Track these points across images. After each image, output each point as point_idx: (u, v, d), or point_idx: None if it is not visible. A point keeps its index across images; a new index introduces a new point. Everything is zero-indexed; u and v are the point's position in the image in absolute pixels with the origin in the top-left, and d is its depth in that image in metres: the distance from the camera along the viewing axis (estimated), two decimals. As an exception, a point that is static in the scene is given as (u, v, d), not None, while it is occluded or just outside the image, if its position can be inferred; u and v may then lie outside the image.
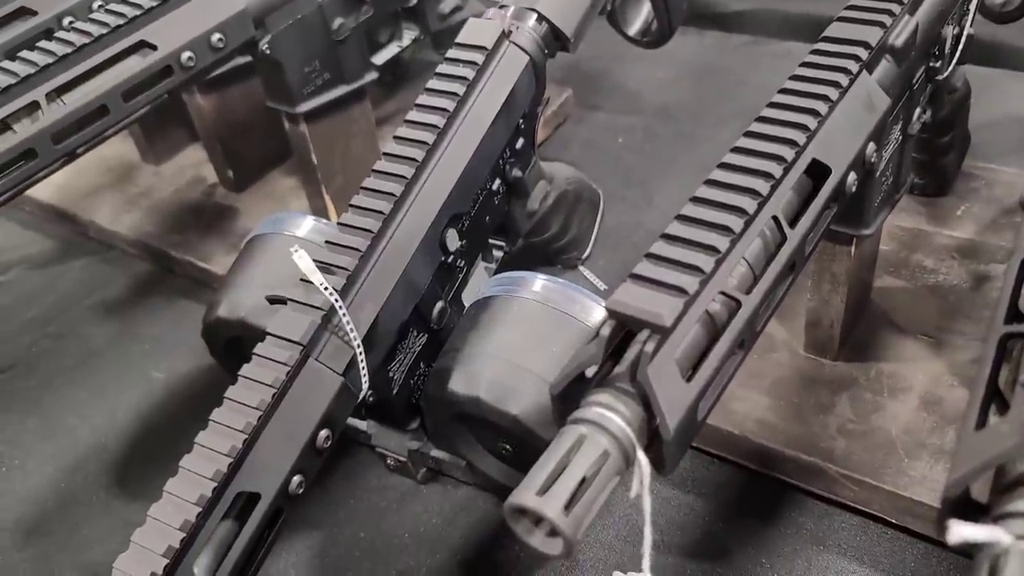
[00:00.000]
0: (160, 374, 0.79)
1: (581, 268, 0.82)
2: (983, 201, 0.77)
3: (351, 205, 0.57)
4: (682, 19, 0.83)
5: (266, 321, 0.63)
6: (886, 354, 0.65)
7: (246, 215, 0.92)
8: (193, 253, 0.88)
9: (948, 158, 0.75)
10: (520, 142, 0.67)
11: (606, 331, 0.37)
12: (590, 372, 0.39)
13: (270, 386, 0.50)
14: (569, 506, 0.34)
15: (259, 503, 0.49)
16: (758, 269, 0.42)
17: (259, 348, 0.52)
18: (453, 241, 0.61)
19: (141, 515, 0.67)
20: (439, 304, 0.62)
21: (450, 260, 0.61)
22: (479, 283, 0.66)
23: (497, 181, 0.66)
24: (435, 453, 0.64)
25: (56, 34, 0.64)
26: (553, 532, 0.34)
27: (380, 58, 0.88)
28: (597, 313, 0.57)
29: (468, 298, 0.65)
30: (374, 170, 0.58)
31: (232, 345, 0.68)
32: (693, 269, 0.38)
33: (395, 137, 0.59)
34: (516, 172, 0.67)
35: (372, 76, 0.85)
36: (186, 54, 0.68)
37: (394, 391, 0.61)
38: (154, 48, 0.67)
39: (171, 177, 0.99)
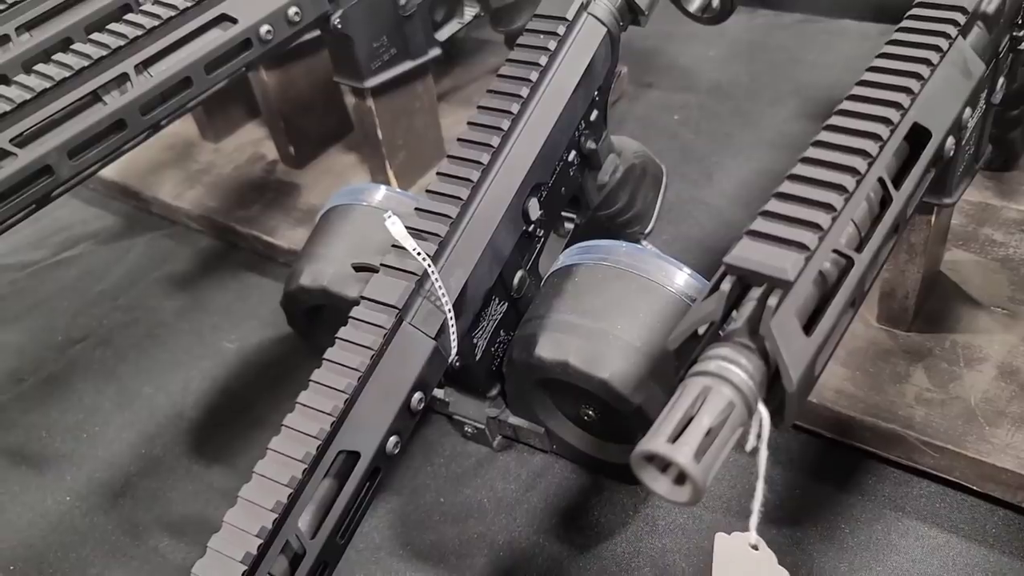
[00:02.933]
0: (232, 345, 0.80)
1: (644, 242, 0.83)
2: (1051, 176, 0.77)
3: (439, 173, 0.58)
4: (744, -5, 0.83)
5: (348, 289, 0.65)
6: (959, 326, 0.66)
7: (307, 190, 0.93)
8: (258, 227, 0.89)
9: (1016, 132, 0.75)
10: (594, 114, 0.68)
11: (726, 286, 0.38)
12: (701, 329, 0.40)
13: (368, 348, 0.51)
14: (699, 454, 0.34)
15: (359, 462, 0.50)
16: (864, 229, 0.42)
17: (355, 312, 0.53)
18: (534, 210, 0.61)
19: (222, 479, 0.70)
20: (519, 273, 0.63)
21: (531, 229, 0.62)
22: (551, 254, 0.67)
23: (573, 152, 0.66)
24: (513, 420, 0.66)
25: (142, 7, 0.66)
26: (680, 480, 0.35)
27: (443, 34, 0.88)
28: (680, 278, 0.58)
29: (543, 268, 0.66)
30: (459, 139, 0.59)
31: (312, 313, 0.69)
32: (811, 226, 0.38)
33: (479, 107, 0.60)
34: (590, 144, 0.68)
35: (436, 52, 0.86)
36: (264, 27, 0.69)
37: (477, 358, 0.62)
38: (235, 21, 0.68)
39: (231, 154, 1.00)
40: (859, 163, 0.41)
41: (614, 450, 0.62)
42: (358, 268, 0.62)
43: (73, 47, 0.62)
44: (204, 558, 0.45)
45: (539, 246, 0.65)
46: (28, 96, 0.58)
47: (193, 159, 1.00)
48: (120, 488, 0.70)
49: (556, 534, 0.62)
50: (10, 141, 0.58)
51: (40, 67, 0.60)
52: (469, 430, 0.67)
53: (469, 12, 0.91)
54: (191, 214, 0.94)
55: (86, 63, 0.61)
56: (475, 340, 0.61)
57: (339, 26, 0.76)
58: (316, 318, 0.70)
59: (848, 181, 0.40)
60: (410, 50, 0.83)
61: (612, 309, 0.57)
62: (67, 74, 0.60)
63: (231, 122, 1.03)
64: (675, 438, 0.35)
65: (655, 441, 0.35)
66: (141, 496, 0.69)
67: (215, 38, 0.67)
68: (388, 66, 0.82)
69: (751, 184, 0.89)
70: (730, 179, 0.90)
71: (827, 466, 0.63)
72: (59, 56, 0.61)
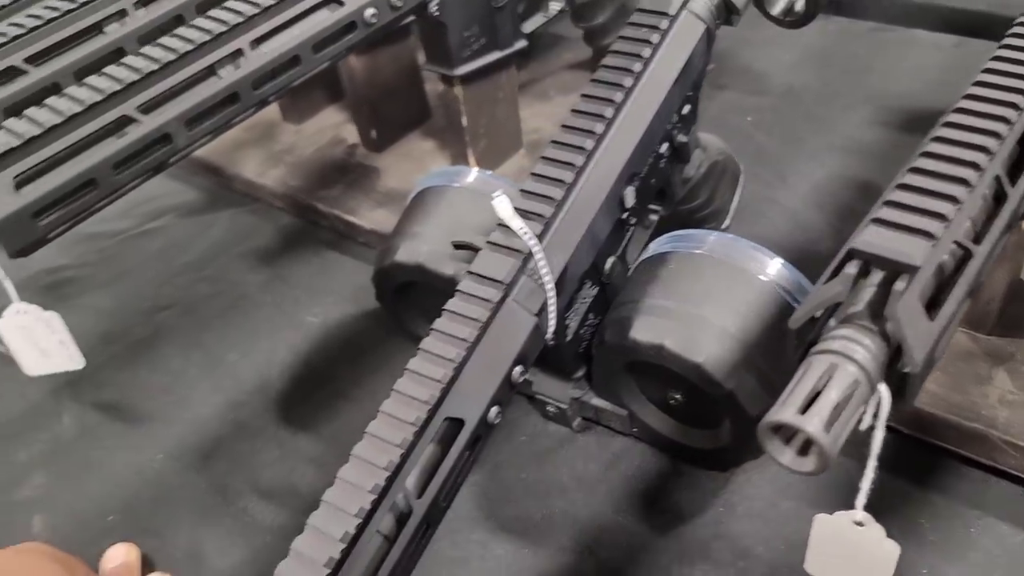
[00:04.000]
0: (314, 319, 0.83)
1: (720, 238, 0.84)
2: None
3: (543, 157, 0.59)
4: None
5: (443, 267, 0.67)
6: (1040, 332, 0.67)
7: (387, 174, 0.96)
8: (340, 207, 0.92)
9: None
10: (687, 108, 0.69)
11: (851, 270, 0.40)
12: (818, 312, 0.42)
13: (476, 320, 0.53)
14: (828, 425, 0.36)
15: (463, 429, 0.52)
16: (979, 224, 0.44)
17: (463, 285, 0.55)
18: (630, 198, 0.63)
19: (308, 447, 0.72)
20: (611, 258, 0.64)
21: (624, 217, 0.64)
22: (636, 244, 0.68)
23: (665, 145, 0.68)
24: (596, 402, 0.67)
25: (257, -15, 0.68)
26: (805, 450, 0.37)
27: (527, 27, 0.90)
28: (773, 268, 0.59)
29: (630, 257, 0.68)
30: (563, 125, 0.61)
31: (401, 290, 0.71)
32: (936, 216, 0.40)
33: (583, 95, 0.62)
34: (681, 137, 0.70)
35: (522, 44, 0.88)
36: (370, 11, 0.71)
37: (567, 338, 0.63)
38: (341, 3, 0.70)
39: (312, 136, 1.03)
40: (980, 158, 0.42)
41: (697, 435, 0.64)
42: (458, 246, 0.64)
43: (193, 22, 0.65)
44: (319, 510, 0.47)
45: (629, 234, 0.67)
46: (155, 67, 0.61)
47: (275, 140, 1.03)
48: (210, 450, 0.72)
49: (637, 514, 0.63)
50: (136, 108, 0.60)
51: (164, 40, 0.63)
52: (551, 410, 0.69)
53: (554, 6, 0.93)
54: (274, 192, 0.96)
55: (207, 38, 0.63)
56: (567, 321, 0.63)
57: (436, 13, 0.78)
58: (405, 295, 0.72)
59: (970, 175, 0.42)
60: (498, 41, 0.85)
61: (707, 296, 0.59)
62: (189, 47, 0.62)
63: (313, 105, 1.05)
64: (804, 410, 0.36)
65: (785, 412, 0.36)
66: (230, 459, 0.71)
67: (323, 19, 0.69)
68: (477, 55, 0.84)
69: (824, 188, 0.90)
70: (803, 182, 0.91)
71: (904, 463, 0.63)
72: (181, 30, 0.64)
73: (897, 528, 0.60)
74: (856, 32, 1.13)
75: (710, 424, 0.62)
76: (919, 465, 0.63)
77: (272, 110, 1.06)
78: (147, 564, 0.64)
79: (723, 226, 0.85)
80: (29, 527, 0.68)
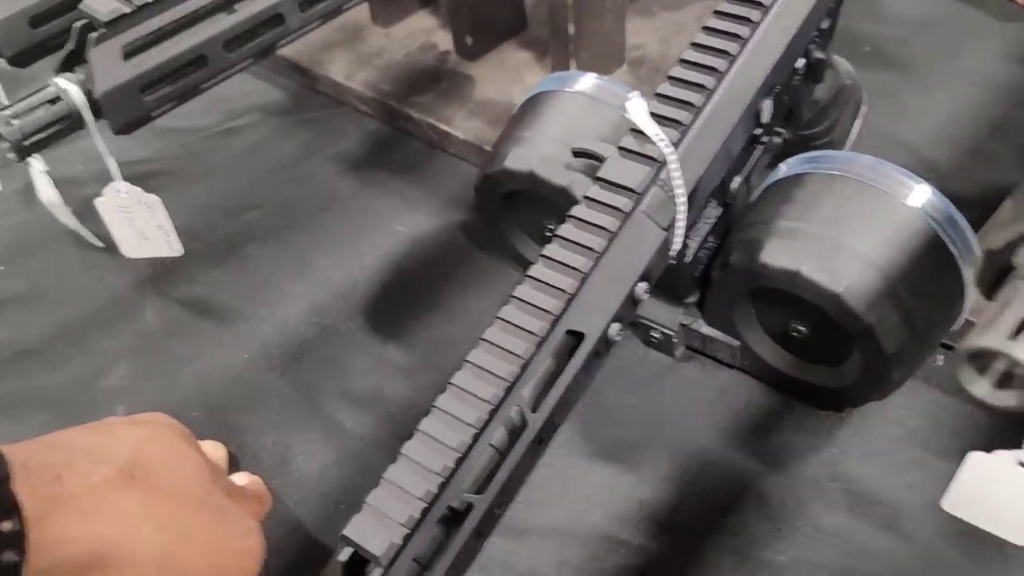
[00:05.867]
0: (403, 228, 0.80)
1: (835, 171, 0.79)
2: None
3: (682, 60, 0.55)
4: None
5: (556, 176, 0.63)
6: None
7: (482, 83, 0.91)
8: (433, 115, 0.88)
9: None
10: (827, 22, 0.64)
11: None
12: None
13: (605, 229, 0.49)
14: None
15: (583, 343, 0.49)
16: None
17: (591, 192, 0.51)
18: (767, 112, 0.58)
19: (399, 356, 0.70)
20: (737, 178, 0.60)
21: (758, 133, 0.59)
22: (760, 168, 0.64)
23: (802, 60, 0.63)
24: (705, 330, 0.64)
25: None
26: (1005, 382, 0.33)
27: (644, -68, 0.85)
28: (918, 192, 0.55)
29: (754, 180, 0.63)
30: (705, 27, 0.56)
31: (506, 200, 0.68)
32: None
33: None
34: (818, 54, 0.64)
35: (637, -50, 0.82)
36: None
37: (687, 259, 0.60)
38: None
39: (402, 40, 0.99)
40: None
41: (817, 371, 0.60)
42: (578, 153, 0.60)
43: None
44: (430, 417, 0.45)
45: (758, 154, 0.63)
46: (268, -61, 0.57)
47: (363, 42, 0.99)
48: (297, 352, 0.70)
49: (744, 449, 0.60)
50: (247, -17, 0.57)
51: (276, -88, 0.59)
52: (655, 336, 0.66)
53: (672, -88, 0.87)
54: (363, 96, 0.93)
55: (322, -89, 0.59)
56: (688, 241, 0.59)
57: (555, -92, 0.73)
58: (507, 207, 0.68)
59: None
60: (614, -56, 0.80)
61: (849, 221, 0.54)
62: (303, -79, 0.58)
63: (403, 9, 1.01)
64: (1014, 336, 0.32)
65: (991, 337, 0.32)
66: (318, 363, 0.69)
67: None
68: (592, -42, 0.79)
69: (951, 123, 0.84)
70: (927, 117, 0.85)
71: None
72: (294, -98, 0.60)
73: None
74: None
75: (834, 360, 0.59)
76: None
77: (361, 11, 1.01)
78: (233, 463, 0.63)
79: (840, 158, 0.79)
80: (112, 416, 0.67)
